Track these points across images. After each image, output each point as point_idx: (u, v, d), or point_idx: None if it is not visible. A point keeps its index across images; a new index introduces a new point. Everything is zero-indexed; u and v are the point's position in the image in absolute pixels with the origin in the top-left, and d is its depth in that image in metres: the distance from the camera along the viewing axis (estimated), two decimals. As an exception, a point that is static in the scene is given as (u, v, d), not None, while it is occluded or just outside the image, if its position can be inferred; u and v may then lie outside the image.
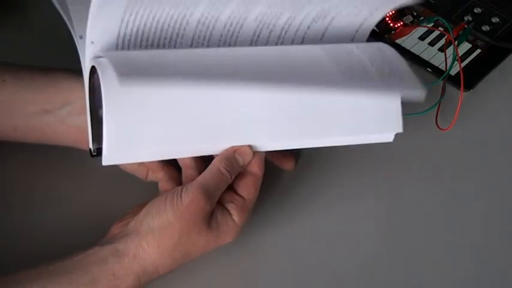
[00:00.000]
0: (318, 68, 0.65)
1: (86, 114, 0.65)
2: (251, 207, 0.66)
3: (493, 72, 0.84)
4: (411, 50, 0.85)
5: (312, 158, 0.76)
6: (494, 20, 0.87)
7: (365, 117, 0.67)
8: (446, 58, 0.82)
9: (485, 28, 0.86)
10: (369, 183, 0.75)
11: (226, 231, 0.64)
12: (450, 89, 0.81)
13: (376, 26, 0.81)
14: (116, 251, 0.62)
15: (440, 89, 0.80)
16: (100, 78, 0.59)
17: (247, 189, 0.66)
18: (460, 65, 0.79)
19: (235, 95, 0.63)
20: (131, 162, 0.66)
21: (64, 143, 0.71)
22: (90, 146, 0.65)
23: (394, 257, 0.70)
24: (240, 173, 0.66)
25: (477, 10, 0.88)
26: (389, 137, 0.69)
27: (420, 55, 0.85)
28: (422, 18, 0.82)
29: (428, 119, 0.78)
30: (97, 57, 0.61)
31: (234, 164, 0.65)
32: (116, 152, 0.61)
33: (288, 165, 0.73)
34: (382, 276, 0.69)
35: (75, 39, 0.63)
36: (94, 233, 0.66)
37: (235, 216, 0.64)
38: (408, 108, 0.80)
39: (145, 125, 0.61)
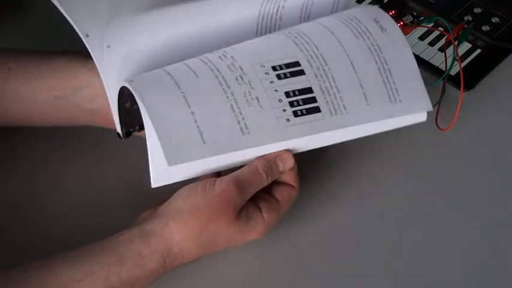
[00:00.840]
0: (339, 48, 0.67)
1: (98, 99, 0.67)
2: (282, 212, 0.66)
3: (493, 72, 0.84)
4: (411, 50, 0.85)
5: (319, 159, 0.76)
6: (494, 20, 0.87)
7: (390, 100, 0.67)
8: (446, 58, 0.82)
9: (485, 28, 0.86)
10: (369, 183, 0.75)
11: (254, 226, 0.64)
12: (450, 89, 0.81)
13: (376, 26, 0.81)
14: (142, 231, 0.63)
15: (440, 89, 0.80)
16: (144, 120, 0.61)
17: (282, 194, 0.66)
18: (460, 65, 0.79)
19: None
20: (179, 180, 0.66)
21: (79, 123, 0.73)
22: (119, 131, 0.66)
23: (397, 254, 0.71)
24: (277, 181, 0.67)
25: (477, 10, 0.88)
26: (421, 117, 0.69)
27: (420, 55, 0.85)
28: (422, 18, 0.82)
29: (428, 119, 0.78)
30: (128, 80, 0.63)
31: (273, 167, 0.65)
32: (162, 175, 0.63)
33: None
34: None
35: (81, 37, 0.63)
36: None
37: (266, 214, 0.65)
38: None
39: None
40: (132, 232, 0.63)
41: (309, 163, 0.73)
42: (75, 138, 0.77)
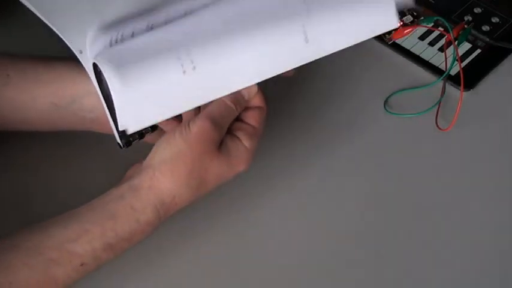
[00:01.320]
0: None
1: (97, 108, 0.68)
2: (259, 135, 0.68)
3: (493, 72, 0.84)
4: (411, 50, 0.85)
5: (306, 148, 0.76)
6: (494, 20, 0.87)
7: None
8: (446, 58, 0.82)
9: (485, 28, 0.86)
10: (368, 184, 0.75)
11: (238, 156, 0.66)
12: (450, 89, 0.81)
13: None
14: (132, 186, 0.64)
15: (440, 89, 0.80)
16: (103, 72, 0.62)
17: (255, 118, 0.68)
18: (460, 65, 0.79)
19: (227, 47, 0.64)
20: (146, 126, 0.66)
21: (79, 130, 0.73)
22: (118, 141, 0.67)
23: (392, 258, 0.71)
24: (245, 108, 0.68)
25: (477, 10, 0.88)
26: (392, 21, 0.67)
27: (420, 55, 0.85)
28: (422, 18, 0.82)
29: (428, 119, 0.78)
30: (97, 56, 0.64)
31: (239, 97, 0.67)
32: (129, 120, 0.64)
33: (288, 72, 0.74)
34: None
35: (75, 53, 0.64)
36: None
37: (245, 141, 0.66)
38: (408, 109, 0.80)
39: (149, 96, 0.63)
40: (121, 189, 0.64)
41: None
42: (75, 138, 0.77)
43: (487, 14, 0.87)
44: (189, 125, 0.64)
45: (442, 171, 0.76)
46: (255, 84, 0.67)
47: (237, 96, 0.67)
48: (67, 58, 0.70)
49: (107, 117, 0.66)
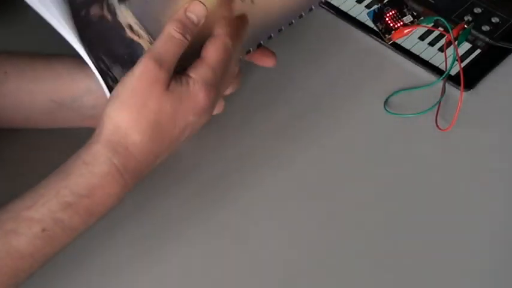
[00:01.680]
0: None
1: (98, 105, 0.66)
2: (210, 64, 0.64)
3: (493, 72, 0.84)
4: (411, 50, 0.85)
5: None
6: (494, 20, 0.87)
7: None
8: (446, 58, 0.82)
9: (485, 28, 0.86)
10: (367, 183, 0.75)
11: (187, 90, 0.62)
12: (450, 88, 0.81)
13: (376, 26, 0.81)
14: (85, 145, 0.62)
15: (440, 89, 0.80)
16: None
17: (206, 49, 0.64)
18: (460, 65, 0.79)
19: None
20: None
21: (80, 126, 0.72)
22: None
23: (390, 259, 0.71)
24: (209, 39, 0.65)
25: (477, 10, 0.88)
26: None
27: (420, 55, 0.85)
28: (422, 18, 0.82)
29: (428, 119, 0.78)
30: None
31: (187, 23, 0.63)
32: None
33: (269, 61, 0.73)
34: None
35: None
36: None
37: (192, 73, 0.63)
38: (408, 109, 0.80)
39: None
40: (77, 151, 0.62)
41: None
42: (71, 136, 0.76)
43: (487, 14, 0.87)
44: (132, 69, 0.62)
45: (442, 171, 0.76)
46: (200, 4, 0.63)
47: (183, 23, 0.63)
48: (65, 56, 0.70)
49: None
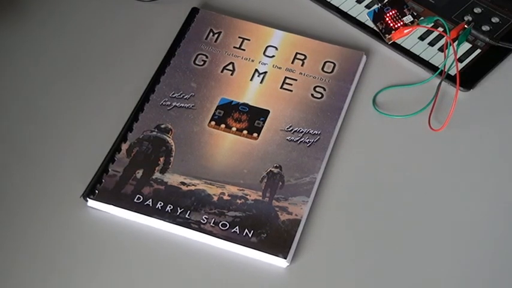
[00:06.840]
0: None
1: None
2: None
3: (493, 72, 0.84)
4: (411, 50, 0.85)
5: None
6: (494, 20, 0.87)
7: None
8: (446, 58, 0.81)
9: (485, 28, 0.86)
10: (365, 183, 0.76)
11: None
12: (450, 89, 0.81)
13: (376, 26, 0.81)
14: None
15: (440, 89, 0.80)
16: None
17: None
18: (457, 67, 0.79)
19: None
20: None
21: None
22: None
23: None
24: None
25: (477, 10, 0.88)
26: None
27: (420, 55, 0.85)
28: (422, 18, 0.82)
29: (427, 119, 0.78)
30: None
31: None
32: None
33: None
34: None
35: None
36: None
37: None
38: (406, 109, 0.80)
39: None
40: None
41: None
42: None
43: (487, 14, 0.87)
44: None
45: (442, 171, 0.76)
46: None
47: None
48: None
49: None
